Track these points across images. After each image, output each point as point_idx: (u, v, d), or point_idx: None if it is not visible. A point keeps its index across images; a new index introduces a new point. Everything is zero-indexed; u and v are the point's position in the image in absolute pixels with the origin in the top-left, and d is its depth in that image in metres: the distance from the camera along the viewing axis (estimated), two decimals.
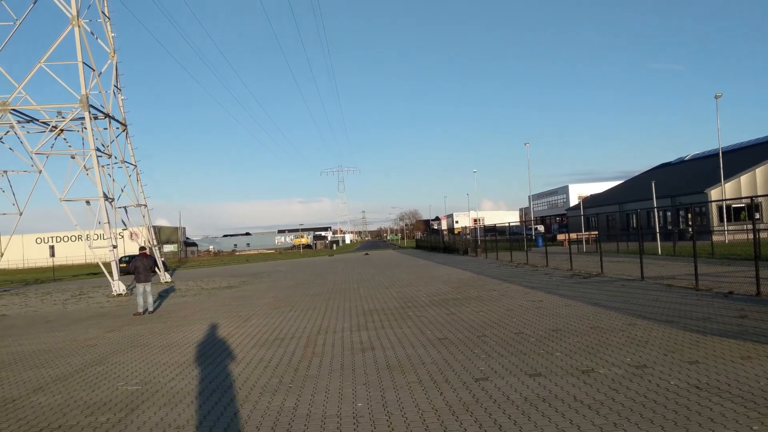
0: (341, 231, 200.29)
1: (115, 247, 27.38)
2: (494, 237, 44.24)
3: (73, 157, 29.85)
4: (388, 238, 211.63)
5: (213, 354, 10.54)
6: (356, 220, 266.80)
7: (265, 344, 11.17)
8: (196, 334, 13.20)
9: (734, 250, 27.71)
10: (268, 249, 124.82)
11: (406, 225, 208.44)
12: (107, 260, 27.75)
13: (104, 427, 6.45)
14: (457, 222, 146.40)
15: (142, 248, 18.99)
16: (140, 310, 18.02)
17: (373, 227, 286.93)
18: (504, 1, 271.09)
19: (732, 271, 18.18)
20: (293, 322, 13.90)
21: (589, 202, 68.50)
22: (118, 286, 26.27)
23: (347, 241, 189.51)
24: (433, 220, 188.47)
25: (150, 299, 18.32)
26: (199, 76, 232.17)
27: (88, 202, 28.56)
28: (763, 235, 34.06)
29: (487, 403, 6.37)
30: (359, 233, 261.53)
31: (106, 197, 28.02)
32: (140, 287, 18.16)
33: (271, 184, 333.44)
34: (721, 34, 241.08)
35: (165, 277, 34.12)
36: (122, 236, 33.67)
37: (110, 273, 27.06)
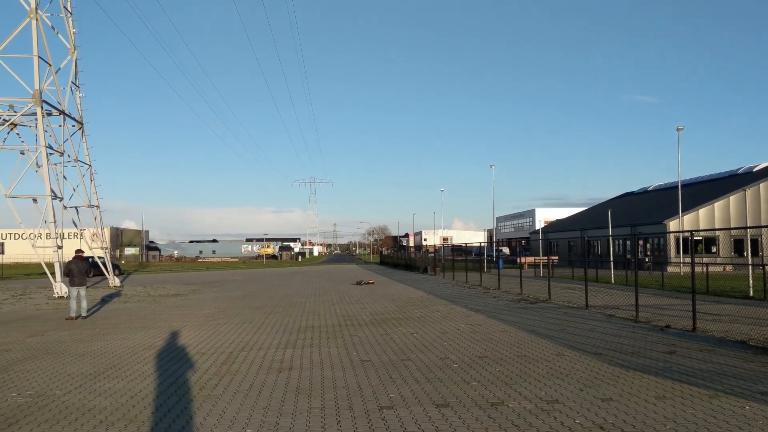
0: (310, 243, 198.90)
1: (60, 247, 26.55)
2: (461, 256, 44.12)
3: (22, 153, 28.97)
4: (357, 252, 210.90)
5: (125, 366, 10.04)
6: (327, 233, 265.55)
7: (183, 358, 10.70)
8: (119, 343, 12.65)
9: (686, 282, 27.85)
10: (233, 257, 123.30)
11: (375, 240, 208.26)
12: (51, 260, 26.87)
13: None
14: (425, 240, 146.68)
15: (78, 251, 18.35)
16: (73, 314, 17.34)
17: (344, 240, 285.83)
18: (480, 24, 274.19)
19: (677, 304, 18.16)
20: (223, 336, 13.43)
21: (554, 227, 69.02)
22: (60, 288, 25.44)
23: (315, 254, 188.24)
24: (402, 236, 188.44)
25: (84, 304, 17.65)
26: (172, 80, 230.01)
27: (35, 200, 27.70)
28: (717, 269, 34.46)
29: None
30: (329, 246, 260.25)
31: (54, 196, 27.22)
32: (74, 291, 17.51)
33: (242, 192, 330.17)
34: (694, 68, 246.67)
35: (114, 281, 33.24)
36: (82, 237, 32.73)
37: (53, 274, 26.21)
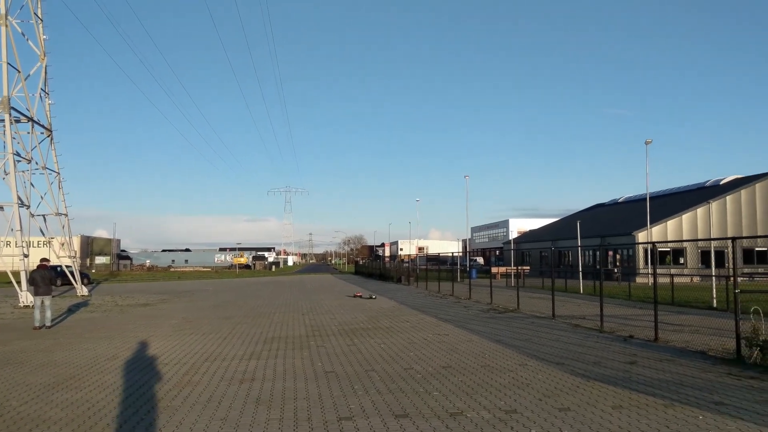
0: (285, 252, 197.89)
1: (26, 255, 26.09)
2: (435, 266, 44.31)
3: None
4: (333, 262, 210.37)
5: (86, 376, 9.90)
6: (302, 242, 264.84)
7: (145, 369, 10.58)
8: (82, 353, 12.47)
9: (652, 293, 28.18)
10: (206, 267, 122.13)
11: (351, 250, 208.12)
12: (18, 269, 26.40)
13: None
14: (401, 249, 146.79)
15: (42, 259, 18.06)
16: (37, 324, 17.06)
17: (320, 250, 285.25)
18: (454, 36, 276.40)
19: (641, 315, 18.41)
20: (188, 347, 13.30)
21: (527, 237, 69.56)
22: (26, 297, 25.00)
23: (290, 263, 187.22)
24: (378, 246, 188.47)
25: (48, 313, 17.36)
26: (146, 89, 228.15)
27: (1, 208, 27.21)
28: (684, 280, 34.98)
29: None
30: (304, 256, 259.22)
31: (21, 203, 26.79)
32: (38, 300, 17.22)
33: (217, 200, 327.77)
34: (669, 82, 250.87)
35: (82, 290, 32.73)
36: (51, 245, 32.27)
37: (18, 283, 25.77)
